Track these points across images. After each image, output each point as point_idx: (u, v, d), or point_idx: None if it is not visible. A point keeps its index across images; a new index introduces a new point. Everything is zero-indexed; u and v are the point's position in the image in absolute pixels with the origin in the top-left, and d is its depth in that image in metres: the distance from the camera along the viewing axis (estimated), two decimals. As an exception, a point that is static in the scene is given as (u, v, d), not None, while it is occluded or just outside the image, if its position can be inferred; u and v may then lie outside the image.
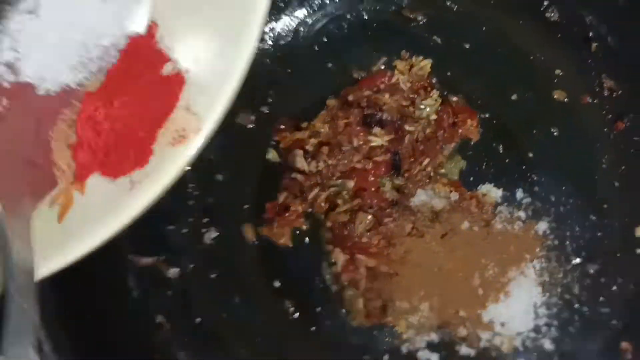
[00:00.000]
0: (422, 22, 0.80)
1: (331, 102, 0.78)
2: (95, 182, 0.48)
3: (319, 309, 0.75)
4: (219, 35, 0.51)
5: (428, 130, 0.76)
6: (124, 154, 0.49)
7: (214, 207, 0.78)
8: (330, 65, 0.80)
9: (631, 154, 0.75)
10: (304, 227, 0.76)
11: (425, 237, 0.73)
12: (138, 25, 0.49)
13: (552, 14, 0.77)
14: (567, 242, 0.74)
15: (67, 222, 0.47)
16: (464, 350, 0.72)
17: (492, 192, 0.75)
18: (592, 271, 0.73)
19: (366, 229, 0.73)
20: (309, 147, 0.76)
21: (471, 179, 0.76)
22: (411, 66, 0.78)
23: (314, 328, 0.75)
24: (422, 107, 0.77)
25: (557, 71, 0.77)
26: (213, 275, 0.76)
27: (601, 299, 0.73)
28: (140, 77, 0.49)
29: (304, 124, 0.78)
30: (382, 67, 0.79)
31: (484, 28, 0.79)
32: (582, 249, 0.74)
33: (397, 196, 0.75)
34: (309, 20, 0.81)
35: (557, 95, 0.77)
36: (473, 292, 0.72)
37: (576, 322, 0.73)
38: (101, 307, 0.70)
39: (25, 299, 0.46)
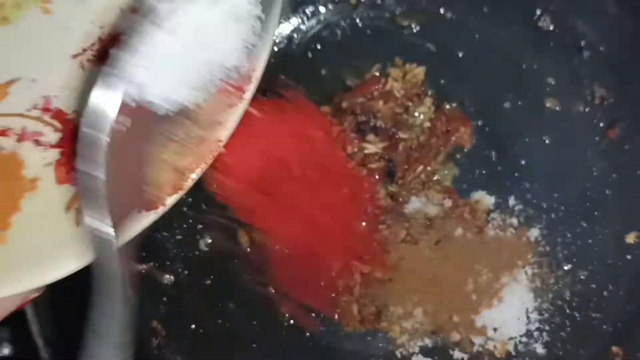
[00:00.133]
0: (415, 30, 0.80)
1: (325, 109, 0.79)
2: None
3: (313, 315, 0.75)
4: None
5: (422, 138, 0.77)
6: None
7: (208, 213, 0.78)
8: (323, 72, 0.80)
9: (622, 162, 0.75)
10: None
11: (419, 243, 0.74)
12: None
13: (545, 23, 0.77)
14: (559, 249, 0.75)
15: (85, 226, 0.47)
16: (457, 355, 0.73)
17: (484, 199, 0.76)
18: (582, 277, 0.74)
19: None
20: (303, 154, 0.77)
21: (464, 186, 0.77)
22: (405, 73, 0.79)
23: (308, 334, 0.75)
24: (416, 114, 0.77)
25: (550, 79, 0.78)
26: (207, 282, 0.77)
27: (592, 304, 0.74)
28: None
29: (299, 131, 0.79)
30: (376, 75, 0.79)
31: (477, 36, 0.79)
32: (573, 256, 0.75)
33: (391, 203, 0.75)
34: (303, 27, 0.81)
35: (549, 103, 0.78)
36: (466, 297, 0.73)
37: (567, 327, 0.74)
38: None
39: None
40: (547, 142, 0.77)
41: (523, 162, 0.77)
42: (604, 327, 0.73)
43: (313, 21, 0.82)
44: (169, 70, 0.43)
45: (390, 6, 0.81)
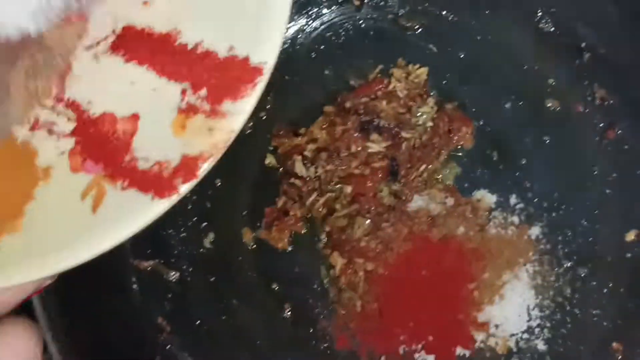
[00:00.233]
0: (418, 31, 0.81)
1: (328, 108, 0.79)
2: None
3: (317, 312, 0.76)
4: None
5: (424, 137, 0.78)
6: None
7: (213, 212, 0.79)
8: (327, 72, 0.81)
9: (622, 162, 0.76)
10: (303, 232, 0.78)
11: (422, 241, 0.75)
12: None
13: (546, 25, 0.78)
14: (560, 247, 0.76)
15: (101, 213, 0.47)
16: (459, 351, 0.74)
17: (486, 197, 0.77)
18: (583, 274, 0.75)
19: (364, 234, 0.75)
20: (307, 153, 0.77)
21: (466, 185, 0.78)
22: (408, 74, 0.79)
23: (312, 330, 0.76)
24: (419, 114, 0.78)
25: (550, 80, 0.79)
26: (212, 279, 0.77)
27: (592, 301, 0.75)
28: None
29: (302, 130, 0.79)
30: (379, 75, 0.80)
31: (478, 38, 0.80)
32: (574, 254, 0.76)
33: (394, 201, 0.76)
34: (307, 28, 0.82)
35: (550, 104, 0.79)
36: (468, 294, 0.74)
37: (568, 323, 0.75)
38: (104, 310, 0.70)
39: None
40: (547, 142, 0.78)
41: (524, 162, 0.78)
42: (605, 323, 0.74)
43: (317, 22, 0.82)
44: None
45: (393, 8, 0.82)
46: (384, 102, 0.78)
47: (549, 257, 0.76)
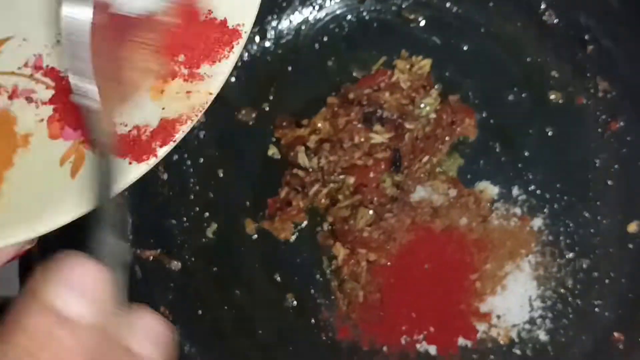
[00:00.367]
0: (421, 23, 0.81)
1: (332, 99, 0.80)
2: None
3: (319, 302, 0.76)
4: None
5: (427, 129, 0.78)
6: None
7: (215, 202, 0.79)
8: (330, 63, 0.81)
9: (624, 154, 0.77)
10: (305, 222, 0.78)
11: (424, 232, 0.75)
12: None
13: (549, 17, 0.79)
14: (561, 238, 0.76)
15: (80, 178, 0.47)
16: (461, 342, 0.74)
17: (489, 189, 0.77)
18: (585, 266, 0.76)
19: (367, 224, 0.75)
20: (310, 144, 0.78)
21: (469, 176, 0.78)
22: (411, 66, 0.80)
23: (314, 320, 0.76)
24: (422, 105, 0.78)
25: (553, 73, 0.79)
26: (214, 269, 0.78)
27: (594, 292, 0.75)
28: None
29: (305, 121, 0.79)
30: (382, 67, 0.80)
31: (482, 30, 0.80)
32: (575, 245, 0.76)
33: (397, 192, 0.76)
34: (311, 19, 0.82)
35: (553, 96, 0.79)
36: (471, 285, 0.74)
37: (570, 314, 0.75)
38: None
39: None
40: (550, 134, 0.78)
41: (527, 154, 0.78)
42: (606, 314, 0.74)
43: (320, 14, 0.83)
44: None
45: (397, 0, 0.82)
46: (387, 94, 0.78)
47: (551, 248, 0.76)
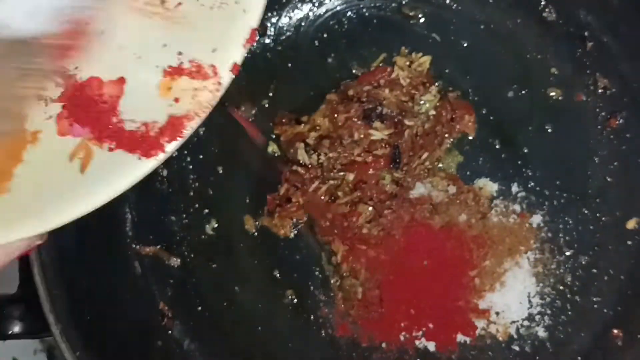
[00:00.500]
0: (421, 20, 0.81)
1: (331, 96, 0.80)
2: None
3: (318, 298, 0.76)
4: None
5: (427, 125, 0.78)
6: None
7: (215, 199, 0.79)
8: (330, 60, 0.81)
9: (623, 151, 0.77)
10: (304, 219, 0.78)
11: (424, 228, 0.75)
12: None
13: (549, 14, 0.78)
14: (561, 235, 0.76)
15: (89, 173, 0.48)
16: (460, 338, 0.74)
17: (488, 185, 0.77)
18: (584, 262, 0.76)
19: (366, 221, 0.75)
20: (309, 141, 0.78)
21: (468, 173, 0.78)
22: (411, 62, 0.80)
23: (313, 317, 0.76)
24: (422, 102, 0.78)
25: (553, 69, 0.79)
26: (213, 265, 0.78)
27: (593, 288, 0.75)
28: None
29: (304, 118, 0.79)
30: (382, 63, 0.80)
31: (482, 26, 0.80)
32: (574, 241, 0.76)
33: (397, 189, 0.76)
34: (311, 16, 0.82)
35: (552, 92, 0.79)
36: (470, 281, 0.74)
37: (569, 310, 0.75)
38: (106, 294, 0.71)
39: None
40: (549, 130, 0.78)
41: (526, 150, 0.78)
42: (605, 310, 0.75)
43: (320, 10, 0.83)
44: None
45: (397, -4, 0.83)
46: (387, 90, 0.78)
47: (550, 245, 0.76)
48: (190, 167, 0.79)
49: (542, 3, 0.79)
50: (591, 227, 0.76)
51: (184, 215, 0.78)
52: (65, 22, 0.48)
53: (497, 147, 0.78)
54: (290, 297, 0.76)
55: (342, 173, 0.77)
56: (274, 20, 0.82)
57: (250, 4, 0.50)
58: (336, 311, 0.76)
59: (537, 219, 0.76)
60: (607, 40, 0.77)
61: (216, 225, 0.78)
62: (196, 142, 0.79)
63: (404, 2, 0.82)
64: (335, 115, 0.78)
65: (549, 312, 0.75)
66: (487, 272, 0.75)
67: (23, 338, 0.68)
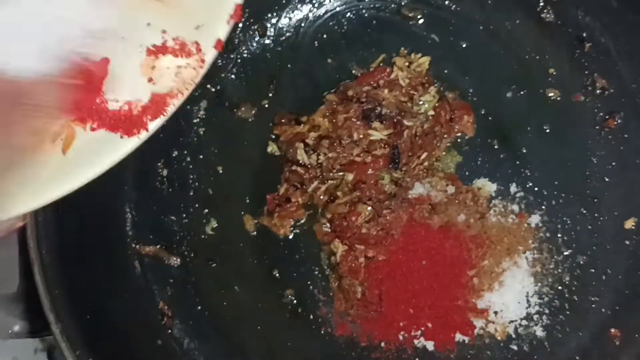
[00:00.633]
0: (420, 21, 0.82)
1: (331, 97, 0.80)
2: None
3: (317, 298, 0.77)
4: None
5: (426, 125, 0.78)
6: None
7: (215, 198, 0.79)
8: (330, 61, 0.82)
9: (621, 151, 0.77)
10: (304, 218, 0.78)
11: (422, 228, 0.75)
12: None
13: (548, 15, 0.79)
14: (559, 235, 0.77)
15: (72, 153, 0.48)
16: (458, 337, 0.74)
17: (487, 186, 0.78)
18: (582, 262, 0.76)
19: (365, 220, 0.75)
20: (309, 141, 0.78)
21: (467, 173, 0.78)
22: (410, 63, 0.80)
23: (312, 316, 0.77)
24: (421, 102, 0.79)
25: (551, 70, 0.80)
26: (213, 265, 0.78)
27: (591, 288, 0.75)
28: None
29: (304, 118, 0.80)
30: (381, 64, 0.81)
31: (480, 27, 0.81)
32: (573, 241, 0.77)
33: (396, 189, 0.77)
34: (310, 17, 0.83)
35: (551, 93, 0.79)
36: (468, 281, 0.74)
37: (567, 310, 0.75)
38: (106, 293, 0.71)
39: None
40: (548, 131, 0.79)
41: (524, 151, 0.78)
42: (603, 310, 0.75)
43: (320, 11, 0.83)
44: (17, 40, 0.44)
45: (396, -3, 0.83)
46: (386, 91, 0.79)
47: (548, 244, 0.76)
48: (191, 167, 0.79)
49: (541, 4, 0.79)
50: (589, 227, 0.77)
51: (184, 215, 0.79)
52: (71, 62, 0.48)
53: (496, 147, 0.79)
54: (289, 296, 0.77)
55: (341, 173, 0.77)
56: (273, 21, 0.83)
57: None
58: (335, 310, 0.76)
59: (535, 219, 0.77)
60: (605, 41, 0.77)
61: (216, 225, 0.79)
62: (196, 142, 0.80)
63: (403, 3, 0.82)
64: (335, 115, 0.79)
65: (547, 311, 0.75)
66: (485, 272, 0.75)
67: (23, 337, 0.69)
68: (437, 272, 0.74)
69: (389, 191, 0.77)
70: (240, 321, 0.77)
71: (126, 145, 0.49)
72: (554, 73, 0.79)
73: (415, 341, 0.75)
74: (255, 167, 0.80)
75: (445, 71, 0.80)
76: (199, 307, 0.77)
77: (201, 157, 0.79)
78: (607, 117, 0.78)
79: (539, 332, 0.74)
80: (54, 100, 0.48)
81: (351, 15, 0.83)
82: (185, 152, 0.79)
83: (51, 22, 0.46)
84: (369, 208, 0.75)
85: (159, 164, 0.78)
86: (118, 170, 0.71)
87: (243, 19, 0.80)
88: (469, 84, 0.80)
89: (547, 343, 0.74)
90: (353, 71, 0.81)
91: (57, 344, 0.62)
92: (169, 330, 0.76)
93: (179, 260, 0.78)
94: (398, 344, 0.75)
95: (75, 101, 0.48)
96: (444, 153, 0.78)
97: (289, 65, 0.82)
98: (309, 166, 0.78)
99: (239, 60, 0.81)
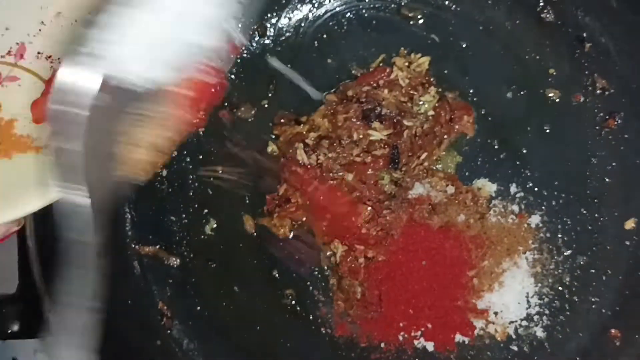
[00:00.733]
0: (420, 21, 0.81)
1: (331, 97, 0.80)
2: None
3: (317, 298, 0.77)
4: None
5: (426, 126, 0.78)
6: None
7: (214, 199, 0.79)
8: (329, 61, 0.82)
9: (621, 151, 0.77)
10: (303, 219, 0.78)
11: (422, 228, 0.75)
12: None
13: (548, 15, 0.79)
14: (559, 235, 0.77)
15: None
16: (458, 338, 0.74)
17: (487, 186, 0.78)
18: (582, 262, 0.76)
19: (365, 221, 0.75)
20: (309, 141, 0.78)
21: (467, 173, 0.78)
22: (409, 63, 0.80)
23: (312, 317, 0.77)
24: (420, 102, 0.78)
25: (551, 70, 0.79)
26: (213, 265, 0.78)
27: (591, 288, 0.75)
28: None
29: (304, 118, 0.79)
30: (381, 64, 0.81)
31: (480, 27, 0.81)
32: (573, 242, 0.76)
33: (395, 189, 0.77)
34: (310, 17, 0.83)
35: (551, 93, 0.79)
36: (468, 282, 0.74)
37: (567, 311, 0.75)
38: (106, 295, 0.71)
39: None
40: (548, 131, 0.78)
41: (524, 151, 0.78)
42: (603, 310, 0.75)
43: (320, 11, 0.83)
44: (147, 49, 0.44)
45: (396, -3, 0.83)
46: (386, 91, 0.79)
47: (548, 245, 0.76)
48: (190, 167, 0.79)
49: (541, 4, 0.79)
50: (590, 227, 0.77)
51: (184, 215, 0.79)
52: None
53: (496, 147, 0.79)
54: (289, 297, 0.77)
55: (341, 173, 0.77)
56: (273, 21, 0.83)
57: None
58: (335, 311, 0.76)
59: (535, 219, 0.77)
60: (605, 41, 0.77)
61: (215, 225, 0.79)
62: (196, 142, 0.79)
63: (403, 3, 0.82)
64: (335, 115, 0.79)
65: (547, 312, 0.75)
66: (485, 272, 0.75)
67: (22, 337, 0.69)
68: (437, 272, 0.74)
69: (388, 191, 0.77)
70: (239, 321, 0.77)
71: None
72: (554, 73, 0.79)
73: (415, 342, 0.75)
74: (254, 168, 0.80)
75: (445, 71, 0.80)
76: (199, 308, 0.77)
77: (201, 157, 0.79)
78: (607, 117, 0.78)
79: (539, 332, 0.74)
80: (164, 112, 0.48)
81: (351, 15, 0.82)
82: (185, 152, 0.79)
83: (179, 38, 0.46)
84: (369, 208, 0.75)
85: (158, 164, 0.78)
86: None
87: (242, 19, 0.81)
88: (468, 84, 0.80)
89: (547, 344, 0.74)
90: (353, 71, 0.81)
91: (56, 344, 0.62)
92: (168, 331, 0.76)
93: (178, 260, 0.78)
94: (398, 344, 0.75)
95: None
96: (443, 153, 0.78)
97: (288, 65, 0.82)
98: (309, 166, 0.77)
99: (238, 60, 0.81)
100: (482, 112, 0.79)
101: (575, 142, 0.78)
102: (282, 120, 0.80)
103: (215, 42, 0.47)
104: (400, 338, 0.75)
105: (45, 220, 0.62)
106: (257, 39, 0.82)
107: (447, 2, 0.81)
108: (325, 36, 0.82)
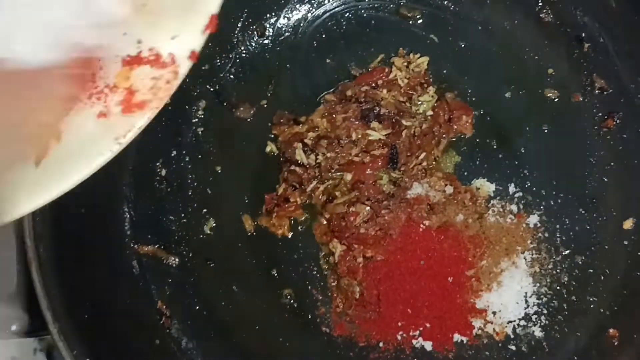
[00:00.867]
0: (419, 21, 0.82)
1: (329, 97, 0.80)
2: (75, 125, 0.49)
3: (316, 298, 0.76)
4: None
5: (424, 126, 0.78)
6: None
7: (213, 198, 0.79)
8: (328, 61, 0.82)
9: (620, 151, 0.77)
10: (302, 218, 0.78)
11: (421, 228, 0.75)
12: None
13: (546, 15, 0.79)
14: (557, 235, 0.77)
15: (46, 167, 0.48)
16: (457, 337, 0.74)
17: (485, 186, 0.78)
18: (580, 262, 0.76)
19: (364, 220, 0.75)
20: (307, 141, 0.78)
21: (465, 173, 0.78)
22: (408, 63, 0.80)
23: (310, 316, 0.77)
24: (419, 102, 0.79)
25: (550, 70, 0.80)
26: (212, 264, 0.78)
27: (589, 288, 0.75)
28: None
29: (303, 118, 0.80)
30: (380, 64, 0.81)
31: (479, 27, 0.81)
32: (571, 242, 0.77)
33: (394, 189, 0.77)
34: (309, 17, 0.83)
35: (549, 93, 0.79)
36: (467, 281, 0.74)
37: (565, 310, 0.75)
38: (104, 293, 0.71)
39: None
40: (546, 131, 0.79)
41: (523, 151, 0.78)
42: (601, 310, 0.75)
43: (319, 11, 0.83)
44: (27, 27, 0.44)
45: (395, -2, 0.83)
46: (385, 91, 0.79)
47: (547, 245, 0.76)
48: (189, 166, 0.79)
49: (540, 4, 0.79)
50: (588, 227, 0.77)
51: (183, 215, 0.79)
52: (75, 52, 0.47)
53: (494, 147, 0.79)
54: (288, 296, 0.77)
55: (339, 173, 0.77)
56: (272, 21, 0.83)
57: None
58: (334, 310, 0.76)
59: (534, 219, 0.77)
60: (604, 41, 0.77)
61: (214, 224, 0.79)
62: (195, 142, 0.80)
63: (402, 3, 0.82)
64: (334, 115, 0.79)
65: (545, 311, 0.75)
66: (484, 272, 0.75)
67: (21, 337, 0.69)
68: (436, 272, 0.74)
69: (387, 191, 0.77)
70: (238, 321, 0.77)
71: (97, 160, 0.49)
72: (553, 73, 0.80)
73: (414, 341, 0.74)
74: (253, 167, 0.80)
75: (444, 71, 0.80)
76: (197, 307, 0.77)
77: (200, 157, 0.80)
78: (605, 117, 0.78)
79: (538, 332, 0.74)
80: (56, 91, 0.47)
81: (350, 15, 0.83)
82: (184, 152, 0.79)
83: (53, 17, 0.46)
84: (368, 208, 0.75)
85: (158, 164, 0.78)
86: (117, 169, 0.72)
87: (242, 19, 0.81)
88: (467, 84, 0.80)
89: (546, 343, 0.74)
90: (352, 71, 0.81)
91: (55, 344, 0.62)
92: (167, 330, 0.75)
93: (177, 260, 0.78)
94: (396, 344, 0.75)
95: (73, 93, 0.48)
96: (442, 153, 0.78)
97: (287, 65, 0.82)
98: (308, 166, 0.78)
99: (237, 60, 0.81)
100: (481, 112, 0.79)
101: (574, 142, 0.79)
102: (281, 120, 0.80)
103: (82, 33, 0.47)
104: (399, 337, 0.75)
105: (45, 220, 0.62)
106: (256, 38, 0.82)
107: (446, 2, 0.82)
108: (324, 36, 0.83)
